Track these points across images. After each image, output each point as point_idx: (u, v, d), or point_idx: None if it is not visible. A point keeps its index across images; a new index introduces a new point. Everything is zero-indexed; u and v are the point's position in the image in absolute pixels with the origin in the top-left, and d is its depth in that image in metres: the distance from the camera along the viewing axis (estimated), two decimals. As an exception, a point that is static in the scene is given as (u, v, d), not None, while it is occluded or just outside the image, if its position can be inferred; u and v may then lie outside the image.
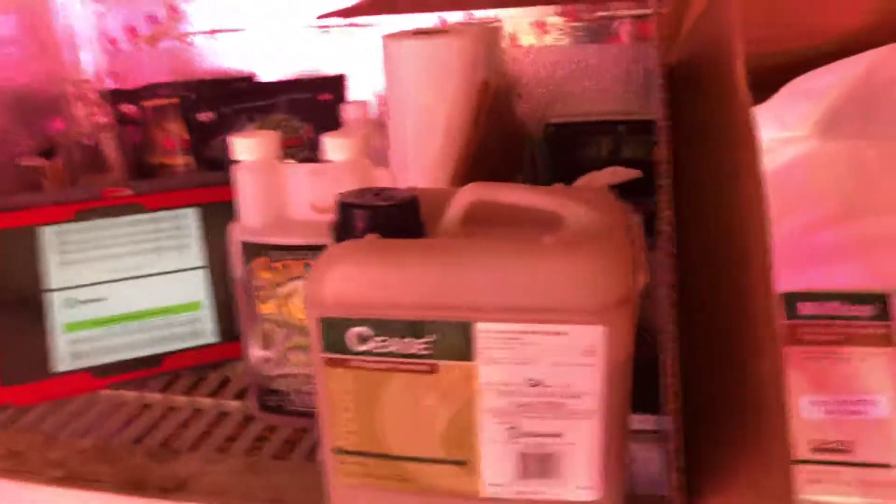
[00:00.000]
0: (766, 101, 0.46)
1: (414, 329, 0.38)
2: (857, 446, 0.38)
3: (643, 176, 0.57)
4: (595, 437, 0.39)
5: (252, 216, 0.53)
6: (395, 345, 0.39)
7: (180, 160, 0.81)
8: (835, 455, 0.38)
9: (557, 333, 0.37)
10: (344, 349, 0.39)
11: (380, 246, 0.39)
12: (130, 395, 0.63)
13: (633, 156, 0.74)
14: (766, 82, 0.45)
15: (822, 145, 0.45)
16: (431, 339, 0.38)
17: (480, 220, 0.43)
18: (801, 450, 0.39)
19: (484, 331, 0.38)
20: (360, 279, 0.38)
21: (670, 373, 0.33)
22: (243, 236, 0.53)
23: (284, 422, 0.57)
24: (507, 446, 0.40)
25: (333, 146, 0.51)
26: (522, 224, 0.43)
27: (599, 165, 0.70)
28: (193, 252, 0.65)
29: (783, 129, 0.46)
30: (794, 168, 0.45)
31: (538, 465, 0.40)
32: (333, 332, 0.39)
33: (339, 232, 0.42)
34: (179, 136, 0.81)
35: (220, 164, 0.79)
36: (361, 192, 0.44)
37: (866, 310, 0.40)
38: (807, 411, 0.39)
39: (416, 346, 0.39)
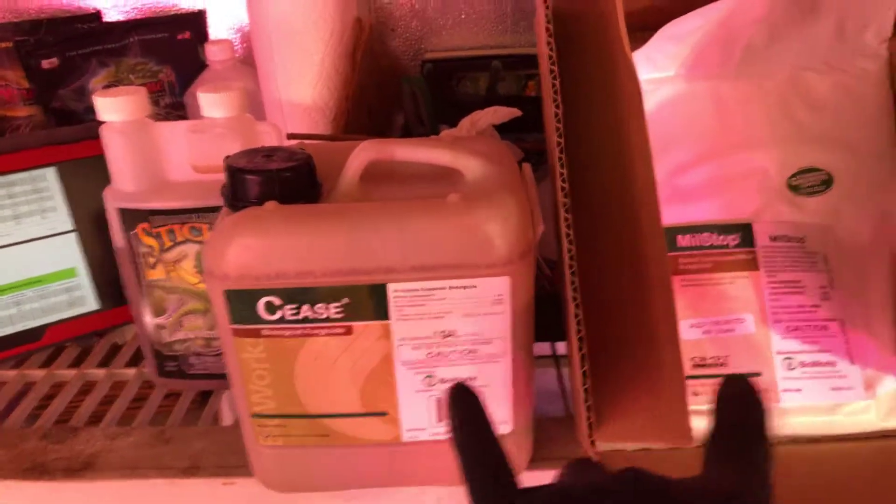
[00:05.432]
0: (643, 45, 0.48)
1: (326, 295, 0.38)
2: (731, 360, 0.43)
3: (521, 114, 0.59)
4: (506, 375, 0.41)
5: (128, 181, 0.50)
6: (307, 311, 0.39)
7: (22, 112, 0.74)
8: (713, 369, 0.43)
9: (466, 287, 0.39)
10: (253, 319, 0.39)
11: (284, 214, 0.38)
12: (10, 374, 0.59)
13: (508, 92, 0.75)
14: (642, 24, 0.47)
15: (687, 86, 0.49)
16: (345, 303, 0.39)
17: (373, 177, 0.43)
18: (685, 367, 0.44)
19: (397, 290, 0.38)
20: (266, 250, 0.38)
21: (572, 306, 0.36)
22: (120, 203, 0.50)
23: (186, 386, 0.56)
24: (424, 394, 0.42)
25: (212, 102, 0.48)
26: (416, 179, 0.43)
27: (478, 101, 0.71)
28: (59, 216, 0.60)
29: (654, 71, 0.49)
30: (663, 110, 0.48)
31: (454, 408, 0.42)
32: (241, 304, 0.39)
33: (233, 199, 0.41)
34: (18, 84, 0.73)
35: (72, 116, 0.73)
36: (251, 153, 0.43)
37: (733, 238, 0.45)
38: (687, 333, 0.44)
39: (329, 311, 0.39)
